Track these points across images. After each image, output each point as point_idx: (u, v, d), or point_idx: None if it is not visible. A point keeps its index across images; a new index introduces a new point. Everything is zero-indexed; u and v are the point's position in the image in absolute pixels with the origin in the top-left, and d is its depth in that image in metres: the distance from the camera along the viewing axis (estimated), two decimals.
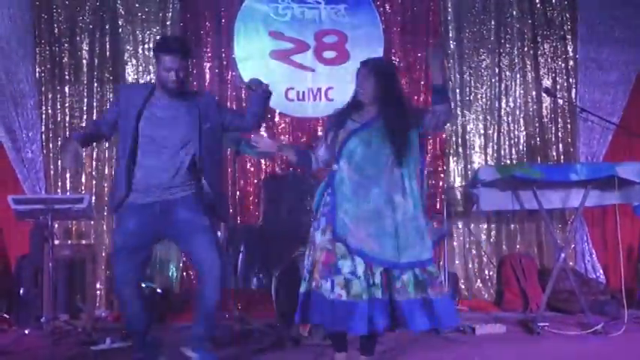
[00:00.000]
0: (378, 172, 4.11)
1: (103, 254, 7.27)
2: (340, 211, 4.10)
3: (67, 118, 7.47)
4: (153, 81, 7.28)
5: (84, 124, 7.27)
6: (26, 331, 6.00)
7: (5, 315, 6.50)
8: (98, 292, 7.16)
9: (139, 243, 4.36)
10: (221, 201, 4.63)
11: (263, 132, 7.60)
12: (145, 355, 4.49)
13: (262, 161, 7.48)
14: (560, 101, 7.87)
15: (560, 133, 7.91)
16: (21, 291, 6.49)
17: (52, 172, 7.35)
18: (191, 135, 4.40)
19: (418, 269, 4.03)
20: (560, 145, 7.90)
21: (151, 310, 4.57)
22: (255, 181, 7.55)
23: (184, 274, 7.40)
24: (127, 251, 4.33)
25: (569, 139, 7.90)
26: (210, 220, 4.44)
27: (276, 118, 7.67)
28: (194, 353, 4.32)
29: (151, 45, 7.51)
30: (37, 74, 7.38)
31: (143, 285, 6.88)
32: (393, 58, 7.78)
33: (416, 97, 7.76)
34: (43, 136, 7.33)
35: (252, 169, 7.59)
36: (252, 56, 7.64)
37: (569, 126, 7.92)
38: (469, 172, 7.72)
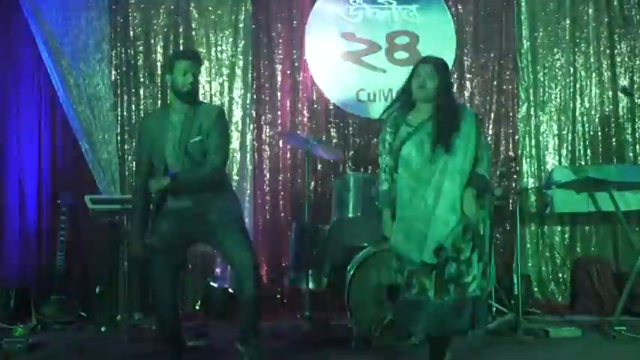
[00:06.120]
0: (431, 176, 4.08)
1: None
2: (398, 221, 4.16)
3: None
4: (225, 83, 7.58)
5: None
6: (102, 329, 6.15)
7: (82, 313, 6.66)
8: None
9: (172, 245, 4.57)
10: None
11: (334, 134, 7.63)
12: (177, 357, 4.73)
13: (332, 161, 7.49)
14: (638, 101, 7.68)
15: (637, 134, 7.69)
16: (97, 290, 6.63)
17: (126, 173, 7.48)
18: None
19: None
20: (637, 146, 7.69)
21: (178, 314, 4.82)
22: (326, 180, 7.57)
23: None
24: (163, 252, 4.55)
25: None
26: (241, 219, 4.73)
27: (348, 119, 7.68)
28: (242, 347, 4.55)
29: (224, 47, 7.62)
30: (113, 77, 7.52)
31: (213, 284, 7.09)
32: (464, 58, 7.73)
33: (488, 98, 7.71)
34: (119, 138, 7.47)
35: (322, 169, 7.63)
36: (324, 58, 7.66)
37: None
38: (542, 174, 7.59)
